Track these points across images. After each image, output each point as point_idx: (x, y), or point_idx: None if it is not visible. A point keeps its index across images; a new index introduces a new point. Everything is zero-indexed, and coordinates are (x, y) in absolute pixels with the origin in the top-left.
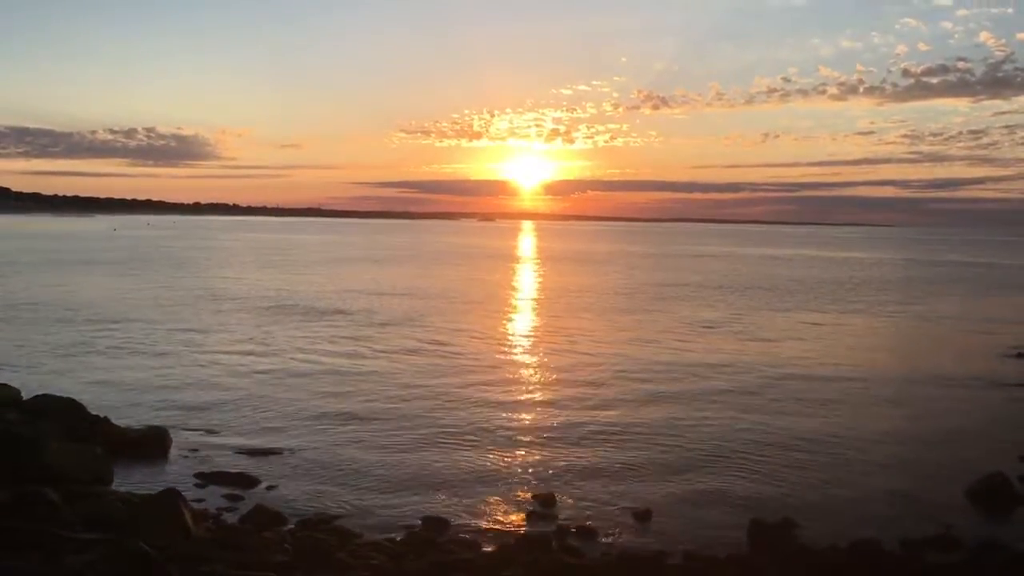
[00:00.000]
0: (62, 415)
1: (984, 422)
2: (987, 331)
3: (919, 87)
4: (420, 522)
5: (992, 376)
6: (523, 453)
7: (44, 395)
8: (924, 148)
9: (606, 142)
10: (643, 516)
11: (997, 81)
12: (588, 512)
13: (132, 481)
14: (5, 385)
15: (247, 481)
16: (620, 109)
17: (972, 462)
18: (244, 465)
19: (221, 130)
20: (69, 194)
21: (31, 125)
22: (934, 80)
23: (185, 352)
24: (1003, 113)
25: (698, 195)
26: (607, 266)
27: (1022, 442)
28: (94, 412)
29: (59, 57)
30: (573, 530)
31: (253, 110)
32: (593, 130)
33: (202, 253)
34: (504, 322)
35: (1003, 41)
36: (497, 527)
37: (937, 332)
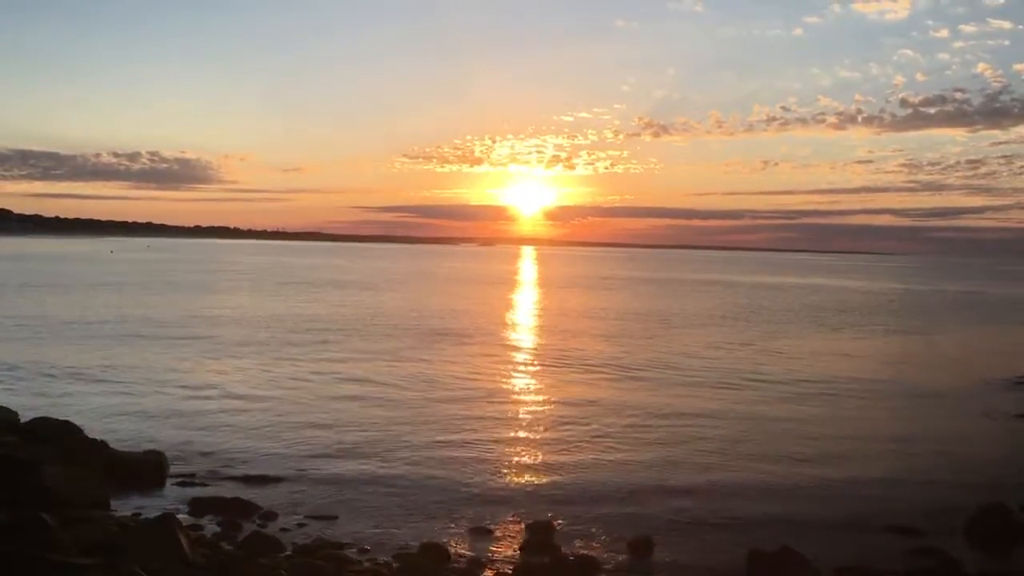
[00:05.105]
0: (60, 439)
1: (985, 451)
2: (987, 360)
3: (917, 117)
4: (417, 548)
5: (992, 405)
6: (521, 480)
7: (42, 418)
8: (922, 177)
9: (606, 168)
10: (642, 546)
11: (995, 111)
12: (586, 541)
13: (129, 506)
14: (3, 408)
15: (244, 507)
16: (621, 136)
17: (973, 492)
18: (241, 491)
19: (224, 154)
20: (70, 216)
21: (35, 148)
22: (932, 110)
23: (184, 377)
24: (1000, 143)
25: (698, 222)
26: (607, 291)
27: (1022, 472)
28: (92, 436)
29: (63, 81)
30: (571, 558)
31: (255, 134)
32: (594, 156)
33: (201, 276)
34: (503, 348)
35: (1000, 72)
36: (495, 554)
37: (937, 361)
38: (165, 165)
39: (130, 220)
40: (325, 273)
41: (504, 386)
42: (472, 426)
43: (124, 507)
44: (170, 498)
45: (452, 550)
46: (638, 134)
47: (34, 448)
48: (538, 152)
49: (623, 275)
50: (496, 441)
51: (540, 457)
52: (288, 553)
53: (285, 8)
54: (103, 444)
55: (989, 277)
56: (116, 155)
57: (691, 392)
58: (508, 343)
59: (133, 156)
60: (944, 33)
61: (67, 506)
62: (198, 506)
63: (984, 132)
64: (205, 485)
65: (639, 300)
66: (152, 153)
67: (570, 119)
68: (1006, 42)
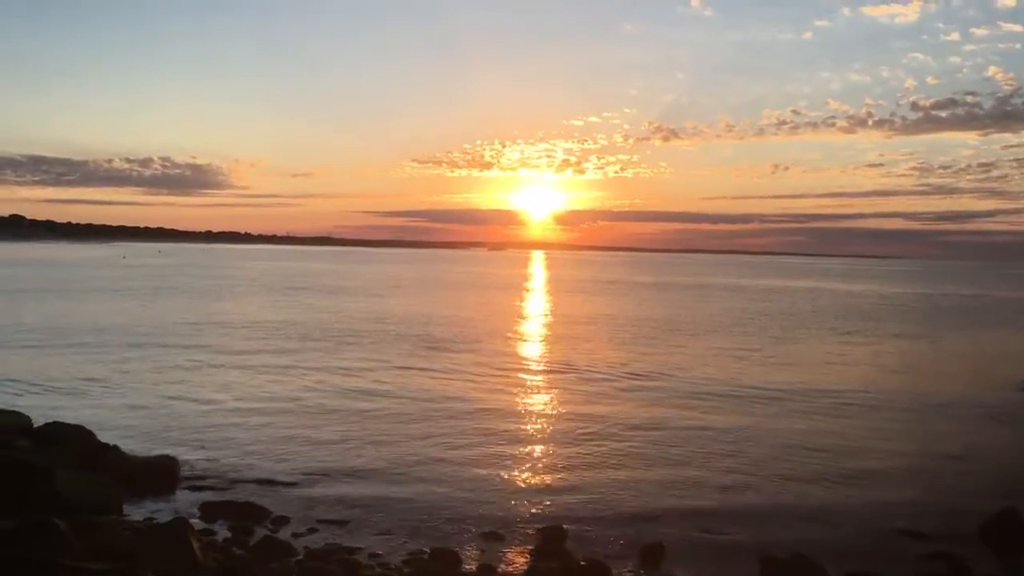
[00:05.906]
0: (72, 443)
1: (996, 457)
2: (998, 364)
3: (928, 120)
4: (428, 553)
5: (1003, 410)
6: (533, 486)
7: (54, 423)
8: (933, 180)
9: (616, 173)
10: (653, 552)
11: (1006, 115)
12: (597, 548)
13: (141, 510)
14: (16, 412)
15: (256, 512)
16: (631, 140)
17: (984, 497)
18: (253, 496)
19: (235, 159)
20: (83, 222)
21: (47, 154)
22: (943, 113)
23: (196, 381)
24: (1012, 146)
25: (708, 226)
26: (616, 297)
27: None
28: (104, 440)
29: (75, 87)
30: (582, 563)
31: (266, 140)
32: (604, 161)
33: (212, 282)
34: (516, 352)
35: (1011, 75)
36: (506, 559)
37: (947, 365)
38: (177, 171)
39: (142, 225)
40: (335, 278)
41: (515, 397)
42: (484, 436)
43: (136, 512)
44: (182, 503)
45: (463, 555)
46: (648, 138)
47: (47, 452)
48: (548, 156)
49: (633, 280)
50: (508, 452)
51: (552, 467)
52: (299, 558)
53: (295, 13)
54: (115, 448)
55: (1000, 281)
56: (128, 161)
57: (702, 403)
58: (519, 352)
59: (145, 162)
60: (955, 36)
61: (79, 511)
62: (210, 510)
63: (995, 135)
64: (216, 489)
65: (648, 305)
66: (164, 159)
67: (580, 123)
68: (1017, 45)
